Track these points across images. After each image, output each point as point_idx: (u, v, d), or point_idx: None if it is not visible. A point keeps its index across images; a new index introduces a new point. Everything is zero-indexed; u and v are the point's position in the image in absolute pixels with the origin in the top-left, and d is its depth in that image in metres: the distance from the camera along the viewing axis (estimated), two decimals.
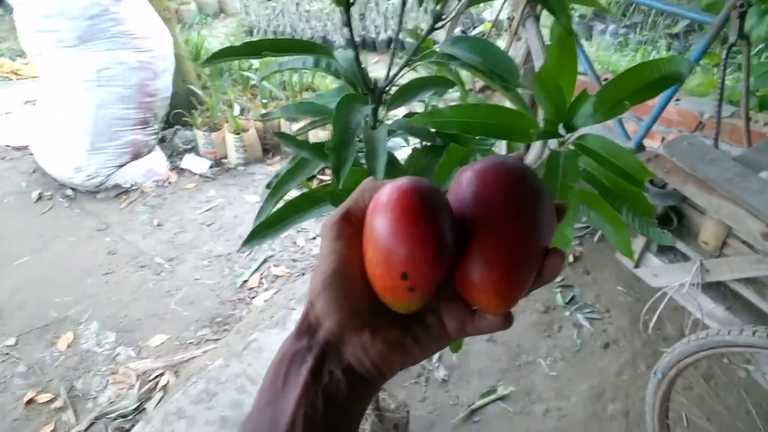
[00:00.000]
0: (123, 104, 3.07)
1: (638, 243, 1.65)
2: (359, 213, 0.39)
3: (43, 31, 2.88)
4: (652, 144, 2.50)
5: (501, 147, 2.12)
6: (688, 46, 4.24)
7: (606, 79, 2.66)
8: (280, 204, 0.85)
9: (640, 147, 1.95)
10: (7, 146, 3.67)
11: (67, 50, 2.92)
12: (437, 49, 0.75)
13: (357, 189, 0.41)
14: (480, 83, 2.51)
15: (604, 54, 4.20)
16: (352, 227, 0.39)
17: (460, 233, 0.36)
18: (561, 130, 0.76)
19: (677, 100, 2.38)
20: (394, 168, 0.90)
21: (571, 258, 2.51)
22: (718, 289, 1.50)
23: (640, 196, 0.72)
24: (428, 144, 0.91)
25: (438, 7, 0.70)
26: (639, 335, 2.10)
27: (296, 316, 2.09)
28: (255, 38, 5.33)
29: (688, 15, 1.95)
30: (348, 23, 0.75)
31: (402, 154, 0.96)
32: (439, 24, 0.72)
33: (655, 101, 1.87)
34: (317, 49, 0.77)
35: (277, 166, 3.48)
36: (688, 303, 1.52)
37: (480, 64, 0.66)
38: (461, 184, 0.38)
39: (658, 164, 1.35)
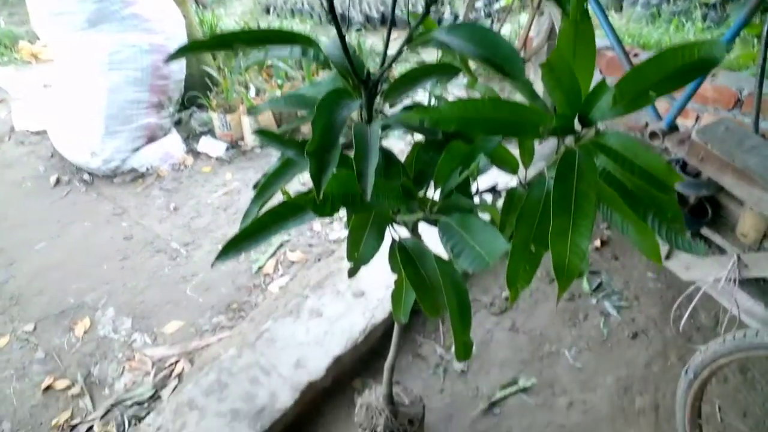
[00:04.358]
0: (135, 87, 3.01)
1: None
2: None
3: (53, 14, 2.82)
4: (686, 123, 2.34)
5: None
6: (725, 16, 3.97)
7: (636, 55, 2.50)
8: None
9: (673, 127, 1.81)
10: (27, 131, 3.67)
11: (77, 33, 2.86)
12: (434, 36, 0.65)
13: None
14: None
15: (635, 26, 3.97)
16: None
17: None
18: (576, 124, 0.67)
19: (713, 75, 2.22)
20: (391, 166, 0.82)
21: (598, 243, 2.40)
22: (757, 285, 1.37)
23: (668, 201, 0.63)
24: (430, 139, 0.82)
25: None
26: (670, 325, 1.99)
27: (310, 304, 2.03)
28: (272, 16, 5.22)
29: None
30: (331, 10, 0.66)
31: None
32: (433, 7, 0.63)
33: None
34: (298, 38, 0.68)
35: None
36: (723, 299, 1.41)
37: (476, 54, 0.56)
38: None
39: (691, 151, 1.23)
